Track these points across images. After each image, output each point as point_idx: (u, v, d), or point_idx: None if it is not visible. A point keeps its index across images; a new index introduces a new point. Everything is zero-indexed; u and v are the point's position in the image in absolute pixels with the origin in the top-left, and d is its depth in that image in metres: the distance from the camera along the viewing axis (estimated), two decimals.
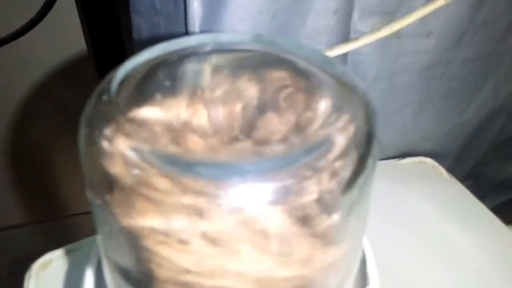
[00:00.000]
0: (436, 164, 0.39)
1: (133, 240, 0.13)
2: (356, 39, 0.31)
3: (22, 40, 0.49)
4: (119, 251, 0.14)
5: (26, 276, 0.31)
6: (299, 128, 0.13)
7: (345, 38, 0.32)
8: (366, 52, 0.33)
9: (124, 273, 0.15)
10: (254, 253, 0.12)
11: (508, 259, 0.32)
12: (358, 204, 0.14)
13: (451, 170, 0.38)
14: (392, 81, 0.35)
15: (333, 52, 0.31)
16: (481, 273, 0.30)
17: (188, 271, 0.13)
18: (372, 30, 0.31)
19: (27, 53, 0.52)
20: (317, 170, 0.12)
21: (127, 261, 0.14)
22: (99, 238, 0.15)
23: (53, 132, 0.58)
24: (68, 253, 0.33)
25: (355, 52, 0.33)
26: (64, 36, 0.52)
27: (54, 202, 0.60)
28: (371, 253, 0.22)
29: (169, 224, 0.12)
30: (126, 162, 0.12)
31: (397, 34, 0.32)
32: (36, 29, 0.48)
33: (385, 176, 0.38)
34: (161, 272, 0.13)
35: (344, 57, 0.33)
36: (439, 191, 0.37)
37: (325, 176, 0.12)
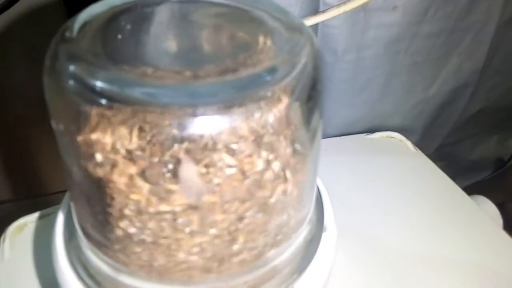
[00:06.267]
0: (403, 138, 0.41)
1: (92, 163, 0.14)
2: (324, 11, 0.33)
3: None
4: (81, 178, 0.15)
5: (1, 239, 0.31)
6: (254, 58, 0.15)
7: (315, 10, 0.33)
8: (335, 25, 0.34)
9: (88, 205, 0.16)
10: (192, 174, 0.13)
11: (467, 226, 0.33)
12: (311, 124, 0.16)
13: (419, 145, 0.40)
14: (360, 54, 0.36)
15: None
16: (441, 237, 0.32)
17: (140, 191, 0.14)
18: (340, 3, 0.32)
19: None
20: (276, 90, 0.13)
21: (90, 189, 0.15)
22: (65, 170, 0.16)
23: (31, 110, 0.57)
24: (43, 217, 0.33)
25: (325, 25, 0.34)
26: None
27: (30, 181, 0.60)
28: (329, 202, 0.23)
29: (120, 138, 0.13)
30: (89, 91, 0.13)
31: (364, 8, 0.33)
32: None
33: (354, 149, 0.40)
34: (118, 198, 0.14)
35: (315, 30, 0.34)
36: (404, 162, 0.38)
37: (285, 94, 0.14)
